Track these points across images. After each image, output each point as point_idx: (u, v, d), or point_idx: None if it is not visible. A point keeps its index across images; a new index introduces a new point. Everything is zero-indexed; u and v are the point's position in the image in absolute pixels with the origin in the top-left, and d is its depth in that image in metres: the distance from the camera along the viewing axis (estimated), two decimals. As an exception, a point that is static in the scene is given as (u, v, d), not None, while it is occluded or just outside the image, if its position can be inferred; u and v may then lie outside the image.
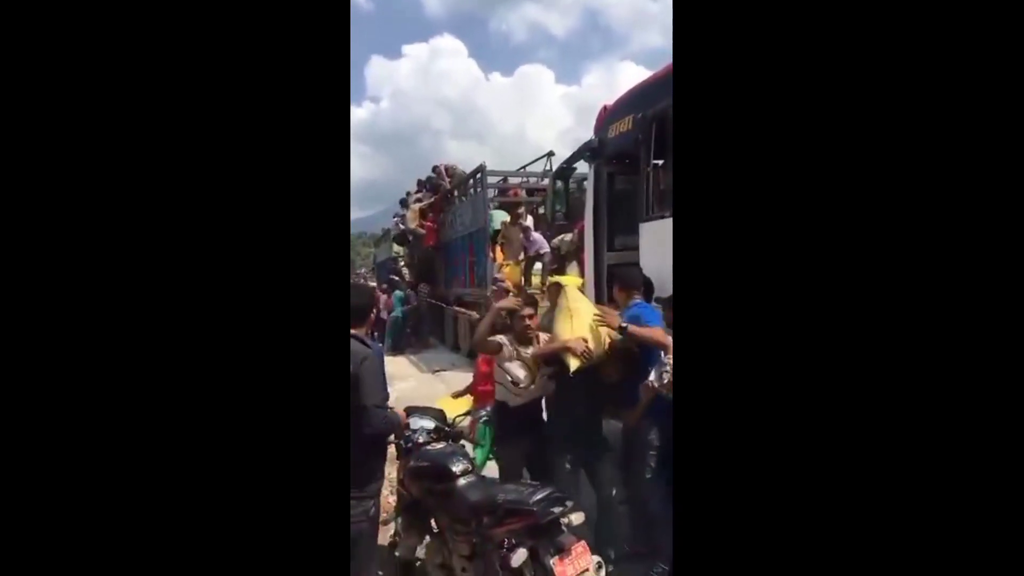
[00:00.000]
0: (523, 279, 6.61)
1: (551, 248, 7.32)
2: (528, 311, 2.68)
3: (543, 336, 2.70)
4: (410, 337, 9.45)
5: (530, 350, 2.65)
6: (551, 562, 1.93)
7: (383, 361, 2.08)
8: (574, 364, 2.44)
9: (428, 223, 9.47)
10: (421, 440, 2.61)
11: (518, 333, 2.69)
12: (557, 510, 2.01)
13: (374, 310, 2.16)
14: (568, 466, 2.56)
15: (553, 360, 2.59)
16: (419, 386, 6.37)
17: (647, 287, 2.80)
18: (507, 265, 7.14)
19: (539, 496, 2.02)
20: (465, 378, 6.92)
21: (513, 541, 2.05)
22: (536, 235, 6.43)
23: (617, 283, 2.86)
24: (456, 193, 8.86)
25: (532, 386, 2.63)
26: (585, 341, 2.48)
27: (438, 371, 7.53)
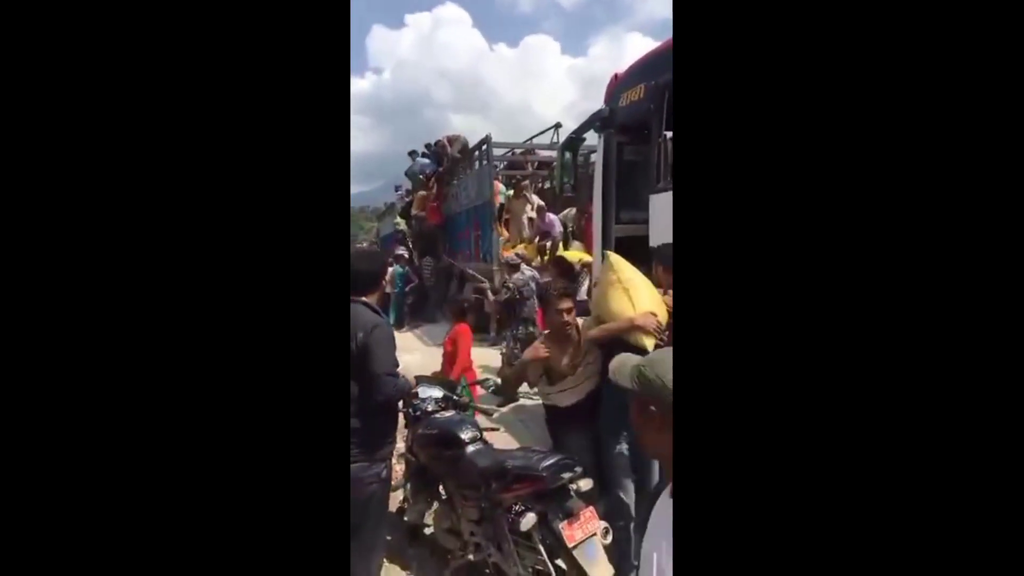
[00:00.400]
0: (539, 258, 6.61)
1: (549, 225, 7.29)
2: (566, 304, 2.36)
3: (580, 322, 2.40)
4: (409, 315, 9.49)
5: (565, 360, 2.36)
6: (559, 526, 1.96)
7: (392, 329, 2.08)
8: (649, 343, 2.13)
9: (432, 204, 9.45)
10: (430, 408, 2.64)
11: (554, 329, 2.41)
12: (566, 476, 2.03)
13: (385, 277, 2.15)
14: (626, 453, 2.31)
15: (609, 344, 2.21)
16: (424, 359, 6.41)
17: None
18: (528, 247, 7.13)
19: (548, 462, 2.04)
20: (471, 352, 6.96)
21: (522, 506, 2.08)
22: (551, 216, 6.38)
23: (659, 261, 2.62)
24: (460, 163, 8.78)
25: (576, 385, 2.37)
26: (654, 315, 2.18)
27: (442, 344, 7.57)
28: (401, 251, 10.35)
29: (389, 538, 2.74)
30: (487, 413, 2.80)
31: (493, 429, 3.74)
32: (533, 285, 5.44)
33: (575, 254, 6.52)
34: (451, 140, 9.33)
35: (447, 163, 9.23)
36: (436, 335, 8.30)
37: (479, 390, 3.10)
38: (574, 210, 7.03)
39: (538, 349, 2.40)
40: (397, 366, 1.92)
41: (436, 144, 9.71)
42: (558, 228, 6.45)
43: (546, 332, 2.47)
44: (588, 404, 2.37)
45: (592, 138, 4.42)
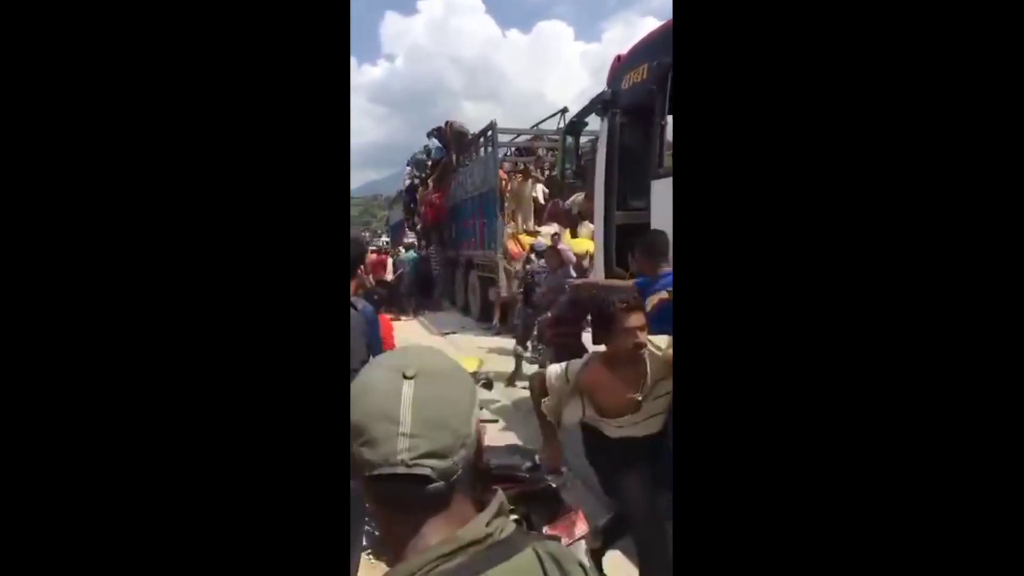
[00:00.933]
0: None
1: (564, 209, 7.13)
2: (638, 321, 1.69)
3: (652, 340, 1.76)
4: (412, 304, 9.47)
5: (629, 394, 1.75)
6: (544, 529, 1.87)
7: (374, 322, 1.98)
8: None
9: (430, 196, 9.43)
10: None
11: (621, 353, 1.74)
12: (550, 478, 1.94)
13: (362, 265, 2.04)
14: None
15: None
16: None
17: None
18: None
19: (531, 464, 1.95)
20: (475, 341, 6.91)
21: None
22: (563, 246, 5.83)
23: (641, 251, 2.45)
24: (459, 148, 8.71)
25: (638, 423, 1.80)
26: None
27: (447, 333, 7.52)
28: (411, 238, 10.34)
29: (378, 534, 2.69)
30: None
31: (491, 421, 3.66)
32: (544, 275, 5.33)
33: (583, 242, 6.38)
34: (450, 124, 9.28)
35: (451, 149, 9.18)
36: (442, 324, 8.26)
37: None
38: (582, 195, 6.89)
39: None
40: (366, 361, 1.82)
41: (439, 129, 9.68)
42: (571, 255, 6.06)
43: (602, 352, 1.82)
44: (648, 442, 1.82)
45: (596, 122, 4.27)
